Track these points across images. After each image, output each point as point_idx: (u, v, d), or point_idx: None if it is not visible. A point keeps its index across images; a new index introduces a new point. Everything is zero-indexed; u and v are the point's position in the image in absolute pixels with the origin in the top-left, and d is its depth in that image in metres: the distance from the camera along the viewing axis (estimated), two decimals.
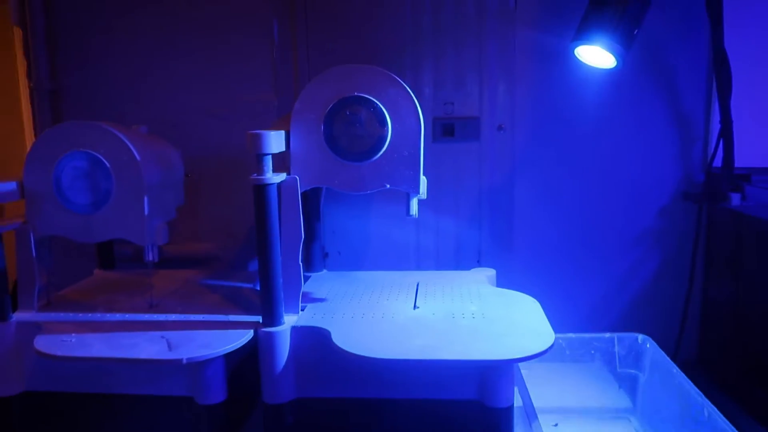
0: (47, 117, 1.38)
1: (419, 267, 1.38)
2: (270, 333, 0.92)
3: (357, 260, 1.40)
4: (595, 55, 1.08)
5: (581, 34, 1.03)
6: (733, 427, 0.84)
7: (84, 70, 1.38)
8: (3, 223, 0.98)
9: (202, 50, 1.36)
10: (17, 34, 1.92)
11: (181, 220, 1.16)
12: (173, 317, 0.99)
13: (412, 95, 0.94)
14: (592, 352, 1.18)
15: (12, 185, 0.99)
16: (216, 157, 1.38)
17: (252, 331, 0.93)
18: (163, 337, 0.92)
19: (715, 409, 0.89)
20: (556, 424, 1.07)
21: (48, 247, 1.05)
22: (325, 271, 1.26)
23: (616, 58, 1.00)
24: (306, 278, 1.19)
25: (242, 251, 1.41)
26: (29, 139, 2.05)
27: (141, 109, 1.37)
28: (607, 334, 1.19)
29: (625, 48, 0.98)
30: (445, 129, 1.33)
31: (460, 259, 1.37)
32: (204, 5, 1.34)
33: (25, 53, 1.43)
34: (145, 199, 0.99)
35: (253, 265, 1.40)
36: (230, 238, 1.41)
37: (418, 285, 1.14)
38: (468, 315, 0.97)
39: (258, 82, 1.36)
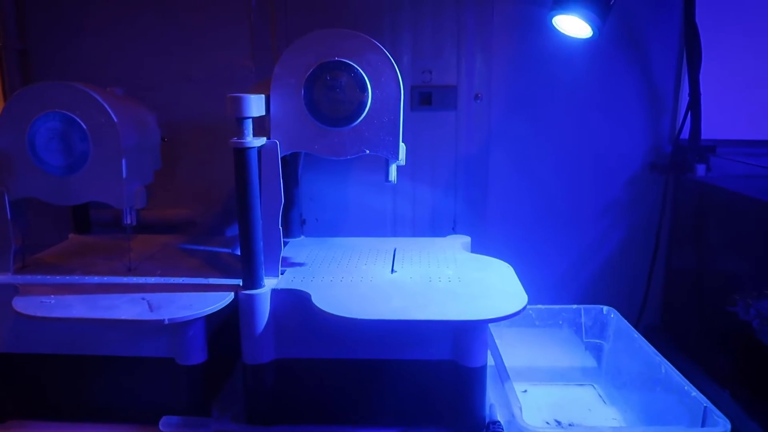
0: (16, 77, 1.34)
1: (396, 234, 1.40)
2: (250, 295, 0.93)
3: (334, 227, 1.41)
4: (573, 25, 1.10)
5: (559, 4, 1.05)
6: (688, 382, 0.89)
7: (55, 30, 1.34)
8: None
9: (179, 12, 1.33)
10: None
11: (158, 186, 1.15)
12: (153, 280, 0.99)
13: (393, 61, 0.95)
14: (560, 322, 1.23)
15: None
16: (192, 121, 1.37)
17: (233, 293, 0.94)
18: (143, 298, 0.93)
19: (672, 366, 0.95)
20: (525, 391, 1.12)
21: (23, 209, 1.04)
22: (302, 237, 1.28)
23: (592, 28, 1.02)
24: (284, 244, 1.20)
25: (219, 217, 1.41)
26: None
27: (114, 72, 1.34)
28: (574, 306, 1.24)
29: (601, 18, 1.00)
30: (423, 97, 1.35)
31: (435, 227, 1.40)
32: None
33: None
34: (123, 161, 0.98)
35: (231, 231, 1.40)
36: (207, 204, 1.41)
37: (395, 251, 1.16)
38: (444, 278, 1.00)
39: (235, 47, 1.35)
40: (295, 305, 0.95)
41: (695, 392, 0.86)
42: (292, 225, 1.26)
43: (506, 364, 1.00)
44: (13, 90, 1.34)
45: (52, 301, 0.91)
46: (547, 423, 1.01)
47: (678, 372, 0.92)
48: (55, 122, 0.98)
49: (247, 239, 0.94)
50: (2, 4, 1.31)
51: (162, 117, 1.21)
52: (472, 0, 1.31)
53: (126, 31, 1.34)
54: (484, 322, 0.88)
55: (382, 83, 0.95)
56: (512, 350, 1.10)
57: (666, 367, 0.95)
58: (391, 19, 1.32)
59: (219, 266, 1.07)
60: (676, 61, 1.32)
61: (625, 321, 1.13)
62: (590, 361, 1.18)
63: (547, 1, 1.19)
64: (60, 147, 0.98)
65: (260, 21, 1.33)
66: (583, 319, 1.19)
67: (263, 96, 0.95)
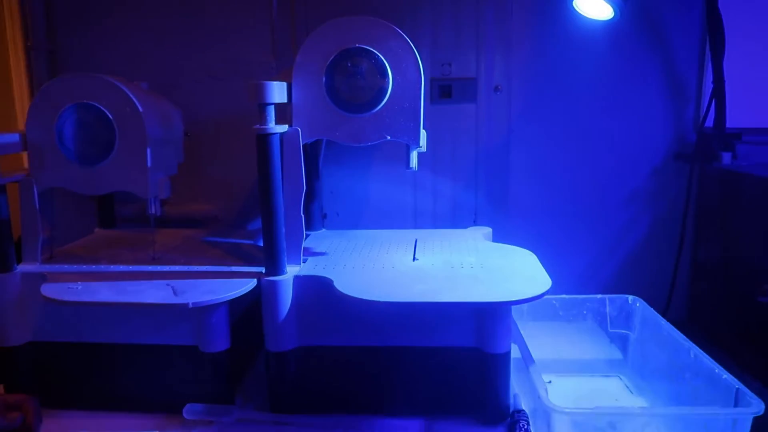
0: (44, 76, 1.37)
1: (417, 227, 1.40)
2: (273, 282, 0.94)
3: (355, 221, 1.41)
4: (594, 6, 1.09)
5: None
6: (718, 365, 0.87)
7: (81, 30, 1.37)
8: (6, 174, 0.99)
9: (201, 10, 1.35)
10: None
11: (180, 181, 1.17)
12: (177, 268, 1.00)
13: (413, 47, 0.95)
14: (585, 312, 1.21)
15: (15, 137, 0.99)
16: (214, 117, 1.39)
17: (255, 279, 0.95)
18: (168, 284, 0.93)
19: (701, 350, 0.93)
20: (549, 382, 1.11)
21: (50, 199, 1.06)
22: (324, 230, 1.28)
23: (614, 8, 1.02)
24: (306, 237, 1.20)
25: (241, 211, 1.42)
26: (18, 98, 2.05)
27: (139, 70, 1.37)
28: (599, 296, 1.22)
29: None
30: (442, 90, 1.35)
31: (456, 219, 1.39)
32: None
33: (21, 13, 1.42)
34: (148, 151, 1.00)
35: (252, 225, 1.41)
36: (229, 199, 1.42)
37: (416, 241, 1.16)
38: (467, 265, 1.00)
39: (256, 44, 1.36)
40: (317, 291, 0.95)
41: (726, 375, 0.84)
42: (313, 218, 1.26)
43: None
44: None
45: (79, 287, 0.93)
46: None
47: (707, 356, 0.90)
48: (82, 113, 1.00)
49: (269, 226, 0.95)
50: (31, 5, 1.34)
51: (185, 113, 1.23)
52: None
53: (150, 30, 1.37)
54: (508, 304, 0.87)
55: (402, 69, 0.96)
56: (536, 342, 1.09)
57: (695, 351, 0.93)
58: (411, 11, 1.33)
59: (242, 256, 1.08)
60: (699, 48, 1.30)
61: (651, 309, 1.11)
62: (616, 352, 1.16)
63: None
64: (87, 137, 1.00)
65: (281, 17, 1.35)
66: (608, 309, 1.17)
67: (285, 83, 0.96)
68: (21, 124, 2.04)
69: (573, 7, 1.11)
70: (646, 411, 0.84)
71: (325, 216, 1.40)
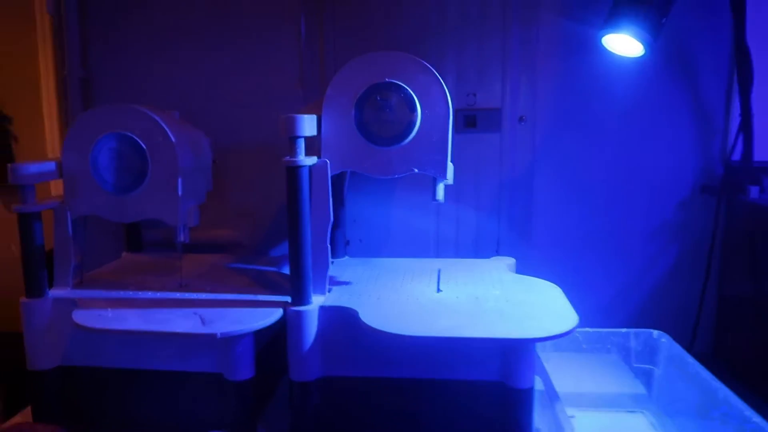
0: (78, 104, 1.41)
1: (439, 255, 1.40)
2: (299, 312, 0.94)
3: (378, 248, 1.42)
4: (623, 44, 1.10)
5: (610, 23, 1.05)
6: (749, 408, 0.86)
7: (115, 59, 1.41)
8: (42, 201, 1.01)
9: (231, 41, 1.38)
10: (43, 23, 1.96)
11: (205, 206, 1.19)
12: (204, 296, 1.01)
13: (442, 81, 0.96)
14: (609, 346, 1.20)
15: (51, 165, 1.02)
16: (241, 145, 1.41)
17: (281, 309, 0.96)
18: (195, 313, 0.95)
19: (731, 392, 0.91)
20: (572, 416, 1.09)
21: (82, 227, 1.08)
22: (347, 257, 1.29)
23: (644, 46, 1.02)
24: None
25: (265, 238, 1.43)
26: (48, 126, 2.10)
27: (169, 98, 1.40)
28: (623, 330, 1.21)
29: (653, 36, 1.00)
30: (467, 120, 1.36)
31: (479, 249, 1.39)
32: None
33: (57, 42, 1.46)
34: (179, 180, 1.02)
35: (275, 251, 1.42)
36: (253, 226, 1.44)
37: (439, 271, 1.16)
38: (491, 298, 1.00)
39: (284, 73, 1.39)
40: (342, 322, 0.95)
41: (757, 417, 0.83)
42: (336, 245, 1.27)
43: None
44: (76, 116, 1.41)
45: (110, 314, 0.94)
46: None
47: (738, 398, 0.88)
48: (117, 142, 1.02)
49: (296, 256, 0.96)
50: (68, 35, 1.38)
51: (213, 141, 1.25)
52: (516, 22, 1.32)
53: (181, 59, 1.40)
54: (535, 341, 0.86)
55: (431, 103, 0.97)
56: (559, 374, 1.08)
57: (725, 392, 0.91)
58: (436, 42, 1.35)
59: (267, 284, 1.09)
60: (727, 81, 1.30)
61: (678, 345, 1.10)
62: (640, 388, 1.15)
63: (593, 20, 1.19)
64: (121, 166, 1.02)
65: (308, 48, 1.38)
66: (632, 344, 1.15)
67: (315, 116, 0.98)
68: (49, 152, 2.09)
69: (601, 44, 1.11)
70: None
71: (347, 243, 1.41)
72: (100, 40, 1.41)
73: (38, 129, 2.14)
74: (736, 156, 1.28)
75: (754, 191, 1.24)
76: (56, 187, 1.22)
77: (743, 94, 1.25)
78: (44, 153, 2.14)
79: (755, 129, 1.25)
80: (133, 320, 0.92)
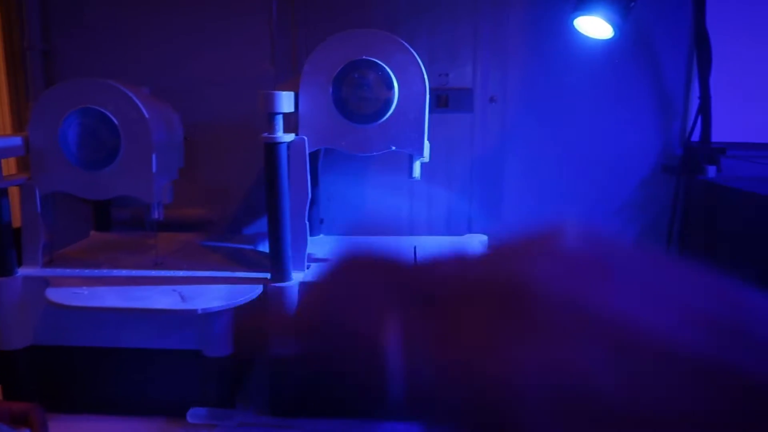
0: (40, 78, 1.36)
1: (412, 234, 1.42)
2: (279, 288, 0.95)
3: (351, 227, 1.43)
4: (593, 26, 1.13)
5: (581, 5, 1.08)
6: None
7: (78, 32, 1.36)
8: (8, 178, 0.98)
9: (201, 17, 1.36)
10: None
11: (177, 185, 1.17)
12: (181, 273, 1.01)
13: (419, 60, 0.98)
14: None
15: (17, 140, 0.99)
16: (211, 122, 1.39)
17: (261, 286, 0.96)
18: (174, 290, 0.94)
19: None
20: None
21: (51, 204, 1.06)
22: (322, 235, 1.30)
23: (613, 28, 1.05)
24: None
25: (237, 216, 1.43)
26: (3, 101, 2.02)
27: (137, 73, 1.36)
28: None
29: (622, 19, 1.04)
30: (439, 100, 1.37)
31: (451, 227, 1.42)
32: None
33: (8, 14, 1.40)
34: (153, 156, 1.00)
35: (249, 229, 1.42)
36: (224, 203, 1.43)
37: (415, 248, 1.18)
38: None
39: (255, 51, 1.37)
40: None
41: None
42: (312, 224, 1.27)
43: None
44: (37, 90, 1.36)
45: (85, 292, 0.93)
46: None
47: None
48: (87, 118, 1.00)
49: (276, 233, 0.96)
50: (27, 5, 1.33)
51: (183, 118, 1.23)
52: (487, 4, 1.34)
53: (148, 33, 1.37)
54: None
55: (408, 81, 0.98)
56: None
57: None
58: (408, 23, 1.35)
59: (244, 261, 1.09)
60: (687, 64, 1.35)
61: None
62: None
63: (563, 3, 1.22)
64: (92, 142, 1.00)
65: (280, 26, 1.36)
66: None
67: (293, 93, 0.98)
68: (7, 126, 2.01)
69: (572, 26, 1.14)
70: None
71: (322, 221, 1.42)
72: (63, 11, 1.36)
73: None
74: (695, 137, 1.34)
75: (711, 171, 1.30)
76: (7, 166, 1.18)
77: (702, 78, 1.30)
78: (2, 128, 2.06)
79: (713, 112, 1.31)
80: (110, 298, 0.91)
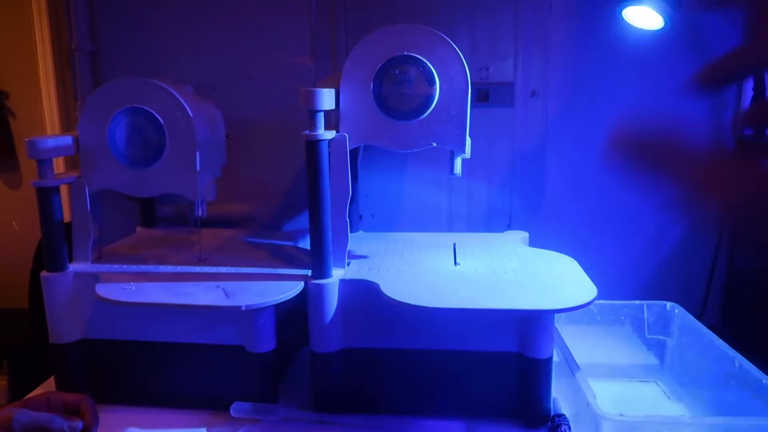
0: (88, 78, 1.39)
1: (451, 230, 1.41)
2: (320, 285, 0.95)
3: (390, 223, 1.43)
4: (642, 16, 1.10)
5: None
6: (766, 375, 0.88)
7: (124, 32, 1.39)
8: (59, 176, 1.01)
9: (242, 15, 1.37)
10: None
11: (220, 181, 1.19)
12: (225, 269, 1.02)
13: (460, 54, 0.96)
14: (622, 318, 1.22)
15: (68, 140, 1.02)
16: (251, 119, 1.41)
17: (302, 282, 0.97)
18: (218, 286, 0.96)
19: (746, 360, 0.93)
20: None
21: (100, 201, 1.08)
22: (361, 231, 1.30)
23: (664, 19, 1.02)
24: None
25: (277, 213, 1.44)
26: (46, 101, 2.09)
27: (179, 72, 1.39)
28: (637, 302, 1.22)
29: (673, 8, 1.00)
30: (480, 94, 1.35)
31: (491, 223, 1.40)
32: None
33: (57, 15, 1.44)
34: (197, 154, 1.02)
35: (289, 226, 1.43)
36: (265, 200, 1.44)
37: (455, 245, 1.17)
38: (509, 271, 1.01)
39: (295, 47, 1.38)
40: (363, 295, 0.96)
41: None
42: (351, 220, 1.27)
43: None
44: (85, 91, 1.40)
45: (133, 288, 0.95)
46: None
47: (754, 366, 0.91)
48: (134, 117, 1.02)
49: (317, 230, 0.96)
50: (76, 7, 1.37)
51: (225, 115, 1.24)
52: None
53: (191, 32, 1.39)
54: (555, 312, 0.88)
55: (449, 76, 0.97)
56: (573, 346, 1.10)
57: (740, 360, 0.93)
58: (448, 17, 1.34)
59: (285, 258, 1.10)
60: None
61: (691, 317, 1.12)
62: (652, 359, 1.17)
63: None
64: (138, 141, 1.02)
65: (319, 21, 1.36)
66: (645, 315, 1.17)
67: (333, 90, 0.98)
68: (48, 127, 2.08)
69: (619, 16, 1.11)
70: (696, 420, 0.85)
71: (360, 218, 1.42)
72: (109, 12, 1.39)
73: (36, 104, 2.13)
74: (747, 131, 1.28)
75: (764, 165, 1.25)
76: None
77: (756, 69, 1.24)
78: (43, 129, 2.13)
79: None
80: (156, 293, 0.93)
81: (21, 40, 2.10)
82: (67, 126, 1.82)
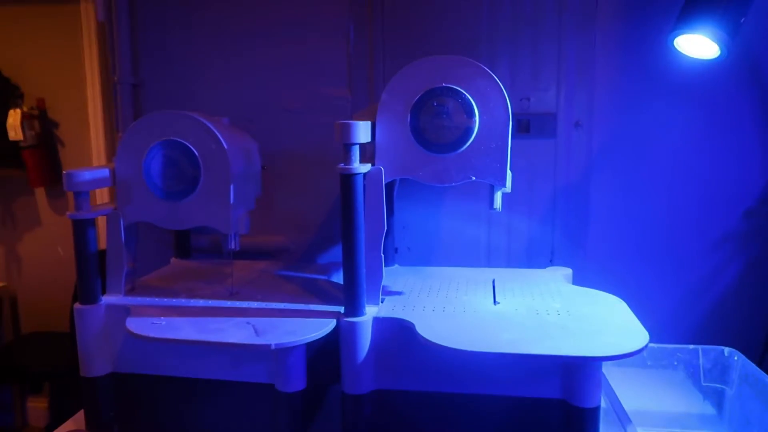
0: (129, 110, 1.42)
1: (490, 264, 1.36)
2: (352, 323, 0.92)
3: (427, 256, 1.39)
4: (697, 46, 1.04)
5: (682, 23, 0.99)
6: None
7: (164, 65, 1.42)
8: (96, 208, 1.01)
9: (279, 47, 1.38)
10: (89, 29, 2.00)
11: (254, 213, 1.17)
12: (256, 305, 1.00)
13: (501, 85, 0.93)
14: (675, 363, 1.14)
15: (105, 172, 1.02)
16: (289, 151, 1.40)
17: (335, 320, 0.93)
18: (248, 323, 0.93)
19: None
20: None
21: (134, 233, 1.08)
22: (396, 265, 1.26)
23: (720, 47, 0.96)
24: None
25: (312, 244, 1.42)
26: (93, 132, 2.14)
27: (218, 104, 1.40)
28: (691, 346, 1.14)
29: (731, 37, 0.94)
30: (520, 125, 1.32)
31: (531, 259, 1.35)
32: (283, 5, 1.36)
33: (104, 48, 1.48)
34: (231, 187, 1.01)
35: (323, 258, 1.41)
36: (299, 231, 1.43)
37: (494, 281, 1.12)
38: (552, 311, 0.95)
39: (332, 78, 1.37)
40: (397, 334, 0.92)
41: None
42: (386, 253, 1.24)
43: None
44: (126, 122, 1.42)
45: (163, 323, 0.94)
46: None
47: None
48: (170, 149, 1.01)
49: (350, 266, 0.93)
50: (119, 40, 1.40)
51: (261, 147, 1.24)
52: (573, 24, 1.28)
53: (229, 64, 1.40)
54: (603, 360, 0.82)
55: (489, 108, 0.93)
56: (622, 392, 1.03)
57: None
58: (489, 46, 1.31)
59: (318, 293, 1.07)
60: None
61: (752, 364, 1.03)
62: (709, 408, 1.09)
63: (655, 21, 1.14)
64: (173, 173, 1.02)
65: (357, 52, 1.36)
66: (701, 361, 1.09)
67: (369, 122, 0.95)
68: (95, 157, 2.13)
69: (669, 45, 1.06)
70: None
71: (396, 251, 1.39)
72: (150, 46, 1.42)
73: (84, 134, 2.19)
74: None
75: None
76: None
77: None
78: (90, 158, 2.19)
79: None
80: (186, 329, 0.91)
81: (71, 71, 2.17)
82: (112, 157, 1.86)
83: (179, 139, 1.01)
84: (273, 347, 0.85)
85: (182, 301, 1.02)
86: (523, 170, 1.33)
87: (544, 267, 1.26)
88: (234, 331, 0.90)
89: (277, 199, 1.40)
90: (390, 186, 1.24)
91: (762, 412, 0.96)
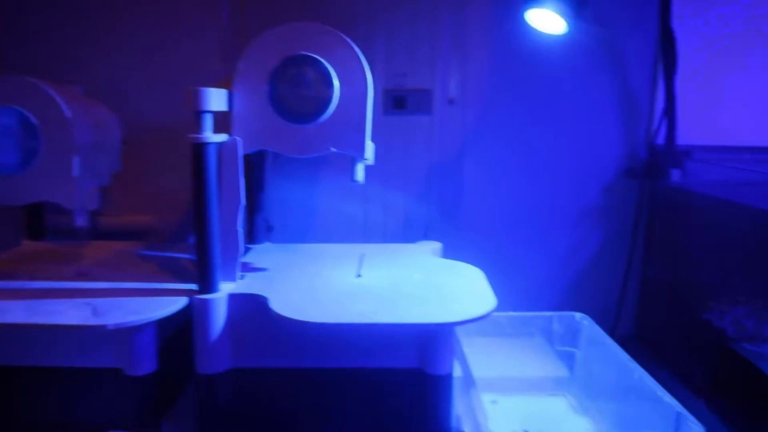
0: None
1: (367, 241, 1.36)
2: (204, 300, 0.88)
3: (303, 234, 1.37)
4: (547, 20, 1.08)
5: None
6: (661, 387, 0.86)
7: (23, 29, 1.29)
8: None
9: (150, 14, 1.29)
10: None
11: (119, 191, 1.10)
12: (102, 285, 0.94)
13: (361, 55, 0.91)
14: (533, 330, 1.20)
15: None
16: (157, 125, 1.33)
17: (186, 298, 0.89)
18: (88, 303, 0.87)
19: (646, 372, 0.91)
20: (494, 401, 1.08)
21: None
22: (268, 243, 1.23)
23: (566, 22, 1.00)
24: (247, 250, 1.16)
25: (183, 223, 1.36)
26: None
27: (78, 72, 1.30)
28: (547, 313, 1.20)
29: (574, 11, 0.98)
30: (396, 101, 1.32)
31: (408, 234, 1.36)
32: None
33: None
34: (75, 159, 0.93)
35: (193, 238, 1.35)
36: (170, 210, 1.36)
37: (362, 256, 1.12)
38: (411, 283, 0.96)
39: (205, 50, 1.31)
40: (252, 311, 0.90)
41: (668, 398, 0.83)
42: (257, 231, 1.21)
43: (476, 374, 0.96)
44: None
45: None
46: None
47: (651, 378, 0.88)
48: (5, 117, 0.92)
49: (202, 241, 0.89)
50: None
51: (126, 120, 1.16)
52: (446, 3, 1.29)
53: (92, 32, 1.30)
54: (451, 325, 0.83)
55: (349, 78, 0.92)
56: (483, 359, 1.06)
57: (639, 372, 0.91)
58: (366, 23, 1.30)
59: (176, 272, 1.02)
60: (652, 66, 1.30)
61: (598, 327, 1.10)
62: (563, 370, 1.14)
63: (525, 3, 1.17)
64: (9, 143, 0.93)
65: (232, 22, 1.30)
66: (555, 327, 1.15)
67: (225, 90, 0.91)
68: None
69: (525, 23, 1.09)
70: None
71: (271, 228, 1.35)
72: (8, 7, 1.29)
73: None
74: (660, 140, 1.29)
75: (676, 174, 1.26)
76: None
77: (668, 79, 1.25)
78: None
79: (679, 114, 1.26)
80: (16, 312, 0.84)
81: None
82: None
83: (15, 106, 0.92)
84: (109, 327, 0.80)
85: (20, 284, 0.94)
86: (400, 147, 1.34)
87: (418, 241, 1.27)
88: (70, 313, 0.83)
89: (145, 175, 1.33)
90: (260, 160, 1.21)
91: (603, 372, 1.03)
